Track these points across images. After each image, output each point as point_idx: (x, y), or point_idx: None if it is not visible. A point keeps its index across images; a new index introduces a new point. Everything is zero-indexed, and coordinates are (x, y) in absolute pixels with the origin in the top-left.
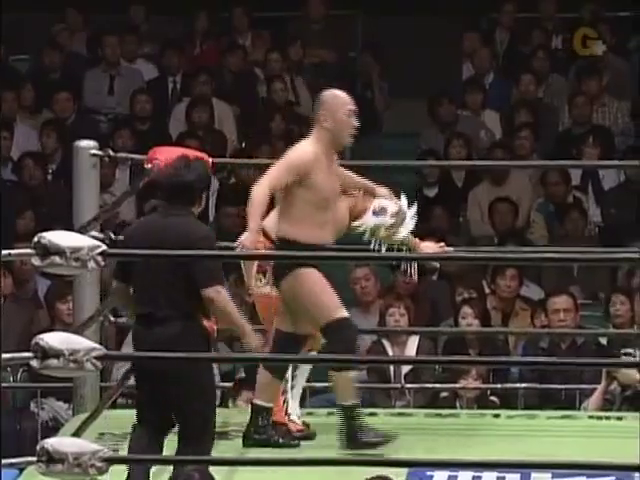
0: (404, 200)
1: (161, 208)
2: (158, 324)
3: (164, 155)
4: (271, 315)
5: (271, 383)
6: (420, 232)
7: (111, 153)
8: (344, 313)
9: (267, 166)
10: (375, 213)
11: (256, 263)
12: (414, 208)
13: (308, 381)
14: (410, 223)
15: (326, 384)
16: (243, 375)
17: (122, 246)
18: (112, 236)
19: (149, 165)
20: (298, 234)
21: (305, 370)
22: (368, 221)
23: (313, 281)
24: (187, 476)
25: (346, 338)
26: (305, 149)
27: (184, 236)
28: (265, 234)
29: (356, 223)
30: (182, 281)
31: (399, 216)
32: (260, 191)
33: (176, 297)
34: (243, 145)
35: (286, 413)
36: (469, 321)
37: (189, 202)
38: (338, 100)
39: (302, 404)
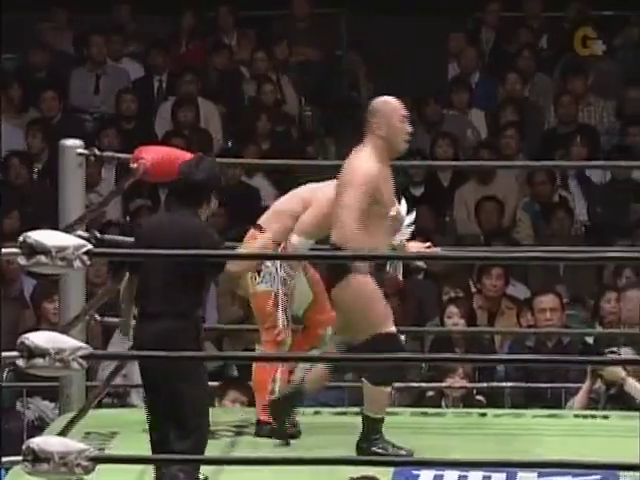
0: (404, 206)
1: (170, 206)
2: (151, 320)
3: (150, 154)
4: (264, 314)
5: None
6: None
7: (97, 152)
8: (393, 328)
9: (253, 165)
10: None
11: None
12: (413, 215)
13: None
14: (407, 230)
15: None
16: (235, 374)
17: (133, 243)
18: (98, 235)
19: (135, 164)
20: (356, 242)
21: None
22: None
23: (366, 290)
24: (172, 476)
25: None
26: (368, 165)
27: (183, 233)
28: (260, 228)
29: None
30: (179, 279)
31: (397, 221)
32: (354, 235)
33: (171, 294)
34: (229, 144)
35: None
36: (455, 320)
37: (196, 202)
38: (390, 106)
39: None
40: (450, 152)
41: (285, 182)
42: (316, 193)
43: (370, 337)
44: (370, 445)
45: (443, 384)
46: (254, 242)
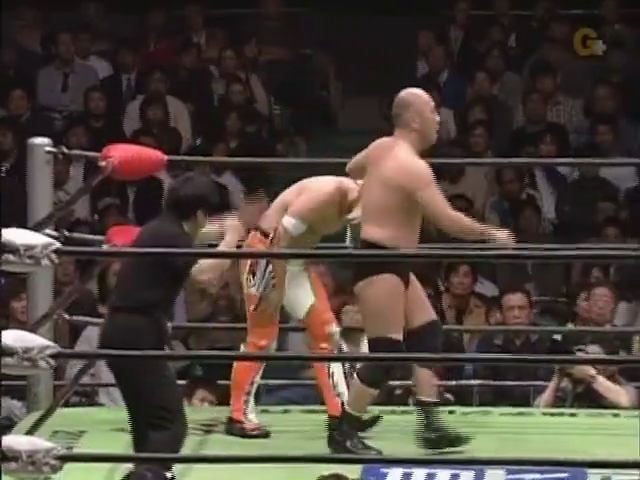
0: None
1: (160, 216)
2: (112, 314)
3: (118, 152)
4: (261, 315)
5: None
6: None
7: (65, 150)
8: (399, 336)
9: (222, 163)
10: None
11: (248, 263)
12: None
13: (267, 378)
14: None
15: (280, 382)
16: (199, 373)
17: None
18: (66, 234)
19: (103, 163)
20: (399, 240)
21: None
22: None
23: (390, 292)
24: (140, 475)
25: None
26: (418, 162)
27: (153, 235)
28: (264, 233)
29: (350, 216)
30: (140, 276)
31: None
32: (455, 216)
33: (131, 290)
34: (198, 142)
35: (244, 413)
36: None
37: (181, 215)
38: (422, 99)
39: (257, 401)
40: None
41: (254, 180)
42: (311, 182)
43: (375, 337)
44: (344, 439)
45: (411, 382)
46: (260, 245)
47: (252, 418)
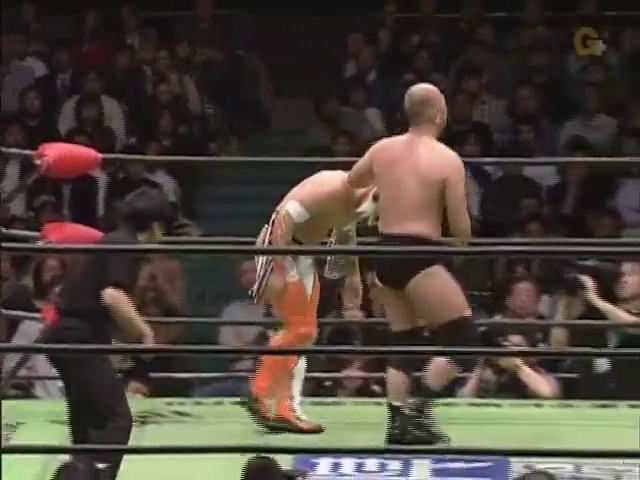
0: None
1: (116, 227)
2: (58, 318)
3: (53, 151)
4: (297, 303)
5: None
6: None
7: (1, 149)
8: (469, 312)
9: (155, 162)
10: (375, 199)
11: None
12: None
13: (200, 371)
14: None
15: (214, 374)
16: (130, 365)
17: None
18: (3, 231)
19: (39, 161)
20: (438, 233)
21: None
22: (370, 207)
23: (445, 279)
24: (72, 466)
25: (470, 337)
26: (456, 156)
27: (107, 243)
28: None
29: (359, 209)
30: (93, 284)
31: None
32: (468, 220)
33: (81, 297)
34: (132, 141)
35: (292, 409)
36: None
37: (137, 228)
38: (438, 93)
39: (190, 394)
40: (348, 148)
41: (187, 178)
42: (318, 176)
43: (453, 320)
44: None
45: (341, 374)
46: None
47: (301, 415)
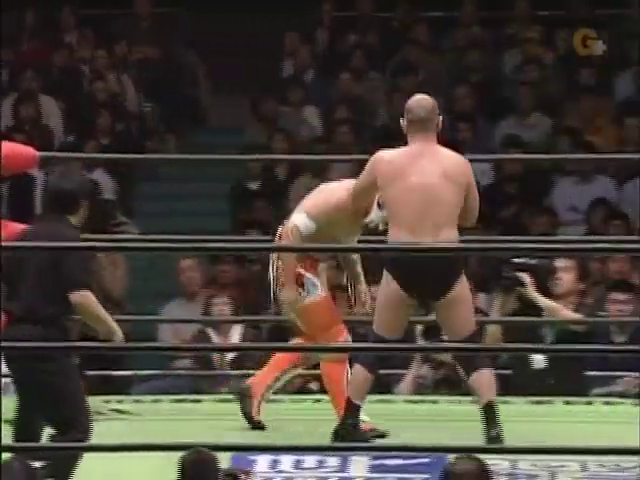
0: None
1: (42, 216)
2: (17, 323)
3: None
4: (328, 316)
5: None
6: (244, 224)
7: None
8: None
9: (93, 160)
10: (380, 206)
11: (293, 276)
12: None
13: (143, 369)
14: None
15: (152, 372)
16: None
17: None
18: None
19: None
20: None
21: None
22: (377, 215)
23: (468, 289)
24: (8, 465)
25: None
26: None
27: (50, 238)
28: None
29: (367, 220)
30: (48, 285)
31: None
32: None
33: (38, 303)
34: (70, 139)
35: None
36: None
37: (67, 210)
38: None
39: (130, 392)
40: (286, 147)
41: (125, 176)
42: (326, 186)
43: (473, 330)
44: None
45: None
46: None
47: (365, 418)
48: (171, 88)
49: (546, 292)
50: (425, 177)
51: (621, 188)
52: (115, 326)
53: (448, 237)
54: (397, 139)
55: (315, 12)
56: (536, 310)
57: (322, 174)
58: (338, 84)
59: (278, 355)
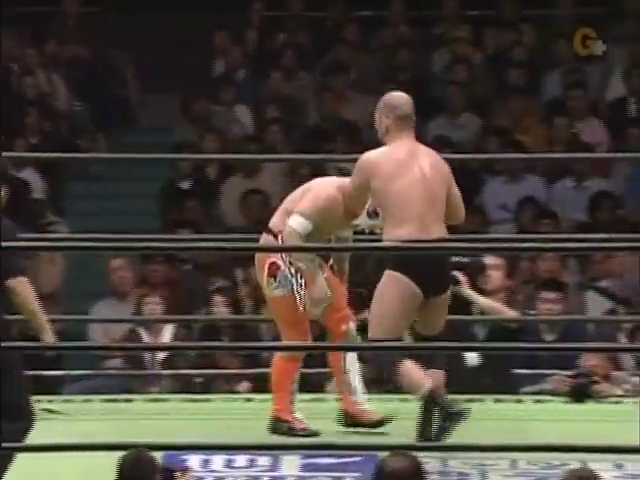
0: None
1: None
2: None
3: None
4: (292, 315)
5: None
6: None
7: None
8: None
9: (22, 159)
10: (369, 215)
11: (266, 268)
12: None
13: (74, 369)
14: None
15: (83, 372)
16: None
17: None
18: None
19: None
20: None
21: (354, 361)
22: (364, 221)
23: None
24: None
25: None
26: None
27: None
28: (274, 235)
29: (356, 222)
30: None
31: None
32: None
33: None
34: None
35: (291, 412)
36: (222, 309)
37: None
38: None
39: (60, 391)
40: (217, 146)
41: (54, 175)
42: (315, 183)
43: (446, 325)
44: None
45: (211, 371)
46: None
47: (299, 417)
48: (100, 87)
49: (476, 289)
50: (423, 172)
51: (550, 187)
52: (46, 325)
53: (445, 232)
54: (327, 139)
55: (245, 11)
56: (467, 308)
57: (253, 174)
58: (269, 83)
59: (332, 355)
